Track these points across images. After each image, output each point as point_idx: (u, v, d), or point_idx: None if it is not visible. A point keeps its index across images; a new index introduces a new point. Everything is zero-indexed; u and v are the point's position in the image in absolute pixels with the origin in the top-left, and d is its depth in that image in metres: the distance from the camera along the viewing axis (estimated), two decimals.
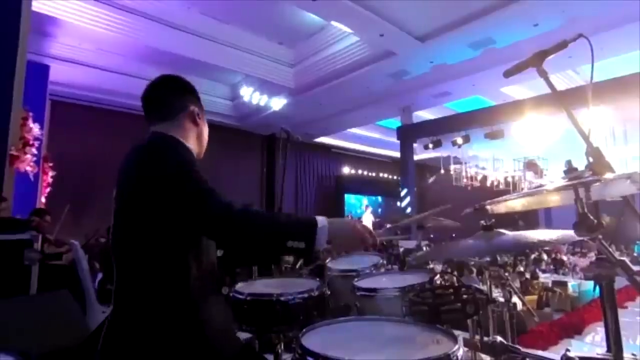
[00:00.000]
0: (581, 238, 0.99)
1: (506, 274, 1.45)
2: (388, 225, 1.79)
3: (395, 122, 11.97)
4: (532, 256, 7.29)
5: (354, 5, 6.39)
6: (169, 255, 1.16)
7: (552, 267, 7.47)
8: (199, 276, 1.20)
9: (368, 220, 15.29)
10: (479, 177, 14.20)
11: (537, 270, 6.43)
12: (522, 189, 12.65)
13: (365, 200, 16.03)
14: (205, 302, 1.19)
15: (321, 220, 1.13)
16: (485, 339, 1.32)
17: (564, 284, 5.30)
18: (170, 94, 1.39)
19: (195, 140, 1.39)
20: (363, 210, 15.53)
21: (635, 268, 0.96)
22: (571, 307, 5.00)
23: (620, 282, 1.00)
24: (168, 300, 1.15)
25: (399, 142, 11.65)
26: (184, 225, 1.13)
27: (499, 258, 1.47)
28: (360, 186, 15.70)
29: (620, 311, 1.03)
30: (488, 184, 14.37)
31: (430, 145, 10.98)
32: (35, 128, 4.46)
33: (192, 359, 1.13)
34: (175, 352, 1.11)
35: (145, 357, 1.11)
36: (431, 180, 16.52)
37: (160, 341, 1.12)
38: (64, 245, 4.41)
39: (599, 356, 1.09)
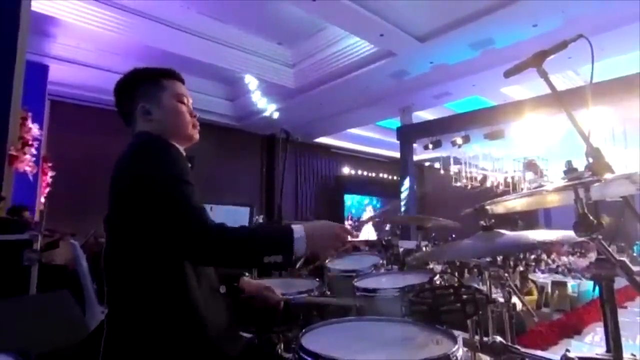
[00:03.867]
0: (581, 239, 0.99)
1: (506, 274, 1.44)
2: (388, 226, 1.79)
3: (395, 123, 11.97)
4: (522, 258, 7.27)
5: (354, 5, 6.39)
6: (164, 257, 1.15)
7: (552, 267, 7.47)
8: (196, 276, 1.19)
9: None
10: (479, 178, 14.20)
11: (537, 271, 6.44)
12: (522, 189, 12.66)
13: (366, 201, 16.07)
14: (204, 303, 1.18)
15: (298, 230, 1.11)
16: (485, 339, 1.32)
17: (563, 284, 5.30)
18: (120, 102, 1.37)
19: (164, 132, 1.29)
20: (364, 209, 15.61)
21: (634, 268, 0.96)
22: (571, 307, 5.01)
23: (620, 282, 1.00)
24: (167, 302, 1.14)
25: (398, 142, 11.64)
26: (160, 241, 1.11)
27: (498, 258, 1.47)
28: (360, 186, 15.72)
29: (619, 311, 1.03)
30: (488, 184, 14.37)
31: (430, 146, 10.98)
32: (34, 128, 4.45)
33: (192, 357, 1.12)
34: (179, 354, 1.11)
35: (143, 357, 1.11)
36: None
37: (162, 345, 1.11)
38: (55, 234, 4.40)
39: (598, 356, 1.09)
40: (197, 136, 1.37)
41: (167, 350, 1.11)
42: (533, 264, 7.21)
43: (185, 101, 1.36)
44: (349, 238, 1.24)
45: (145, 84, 1.33)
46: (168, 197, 1.09)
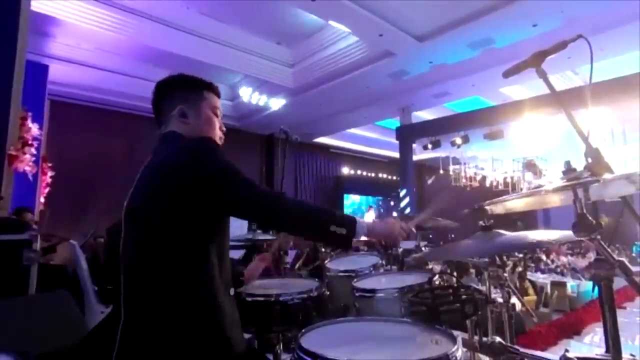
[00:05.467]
0: (580, 238, 0.99)
1: (505, 274, 1.44)
2: None
3: (394, 122, 11.98)
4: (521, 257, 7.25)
5: (353, 5, 6.39)
6: (195, 254, 1.21)
7: (551, 267, 7.48)
8: (221, 274, 1.25)
9: (369, 219, 15.39)
10: (478, 178, 14.20)
11: (537, 271, 6.44)
12: (521, 189, 12.66)
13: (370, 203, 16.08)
14: (224, 299, 1.24)
15: (360, 218, 1.26)
16: (484, 339, 1.32)
17: (562, 285, 5.30)
18: (159, 100, 1.41)
19: (201, 131, 1.37)
20: (365, 211, 15.60)
21: (633, 269, 0.96)
22: (570, 308, 5.01)
23: (619, 282, 1.00)
24: (193, 298, 1.18)
25: (398, 142, 11.65)
26: (236, 215, 1.24)
27: (497, 258, 1.47)
28: (360, 186, 15.72)
29: (619, 311, 1.03)
30: (487, 184, 14.38)
31: (430, 146, 10.97)
32: (34, 128, 4.44)
33: (211, 348, 1.17)
34: (199, 348, 1.14)
35: (167, 354, 1.14)
36: (430, 181, 16.65)
37: (185, 338, 1.14)
38: (52, 238, 4.41)
39: (597, 357, 1.09)
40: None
41: (186, 333, 1.15)
42: (532, 264, 7.22)
43: (219, 114, 1.46)
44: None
45: (188, 90, 1.41)
46: (246, 183, 1.21)
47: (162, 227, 1.20)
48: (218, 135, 1.44)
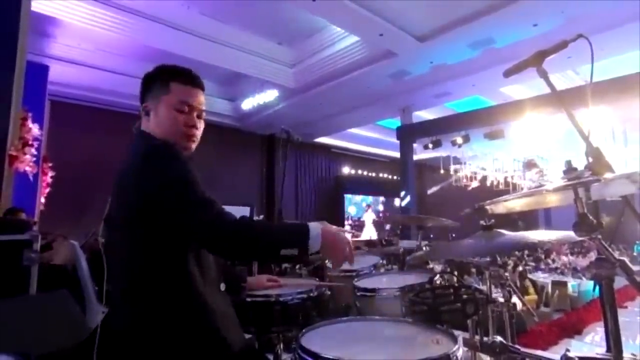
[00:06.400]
0: (581, 238, 0.99)
1: (506, 274, 1.44)
2: (388, 226, 1.78)
3: (395, 122, 11.97)
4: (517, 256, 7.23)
5: (354, 5, 6.39)
6: (169, 251, 1.17)
7: (552, 266, 7.47)
8: (202, 271, 1.22)
9: (369, 219, 15.37)
10: (479, 177, 14.19)
11: (538, 270, 6.44)
12: (522, 189, 12.65)
13: (368, 202, 16.05)
14: (209, 294, 1.21)
15: (314, 227, 1.13)
16: (485, 339, 1.32)
17: (563, 284, 5.30)
18: (140, 94, 1.37)
19: (161, 131, 1.29)
20: (364, 210, 15.57)
21: (634, 268, 0.96)
22: (571, 307, 5.01)
23: (620, 281, 1.00)
24: (173, 294, 1.16)
25: (398, 142, 11.64)
26: (177, 235, 1.16)
27: (498, 258, 1.47)
28: (360, 186, 15.70)
29: (620, 311, 1.02)
30: (488, 184, 14.37)
31: (430, 145, 10.96)
32: (34, 128, 4.45)
33: (205, 350, 1.15)
34: (188, 345, 1.13)
35: (158, 353, 1.13)
36: (431, 191, 16.56)
37: (172, 336, 1.13)
38: (48, 235, 4.41)
39: (598, 356, 1.09)
40: (190, 146, 1.35)
41: (175, 340, 1.13)
42: (533, 264, 7.22)
43: (186, 110, 1.32)
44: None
45: (156, 84, 1.32)
46: (188, 197, 1.13)
47: (129, 233, 1.18)
48: (181, 133, 1.30)
